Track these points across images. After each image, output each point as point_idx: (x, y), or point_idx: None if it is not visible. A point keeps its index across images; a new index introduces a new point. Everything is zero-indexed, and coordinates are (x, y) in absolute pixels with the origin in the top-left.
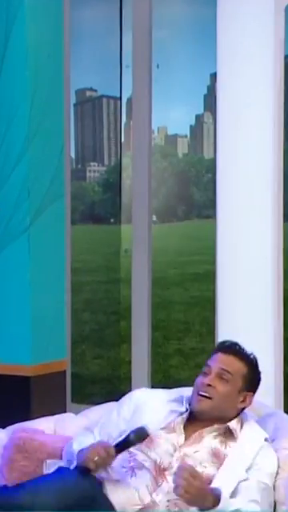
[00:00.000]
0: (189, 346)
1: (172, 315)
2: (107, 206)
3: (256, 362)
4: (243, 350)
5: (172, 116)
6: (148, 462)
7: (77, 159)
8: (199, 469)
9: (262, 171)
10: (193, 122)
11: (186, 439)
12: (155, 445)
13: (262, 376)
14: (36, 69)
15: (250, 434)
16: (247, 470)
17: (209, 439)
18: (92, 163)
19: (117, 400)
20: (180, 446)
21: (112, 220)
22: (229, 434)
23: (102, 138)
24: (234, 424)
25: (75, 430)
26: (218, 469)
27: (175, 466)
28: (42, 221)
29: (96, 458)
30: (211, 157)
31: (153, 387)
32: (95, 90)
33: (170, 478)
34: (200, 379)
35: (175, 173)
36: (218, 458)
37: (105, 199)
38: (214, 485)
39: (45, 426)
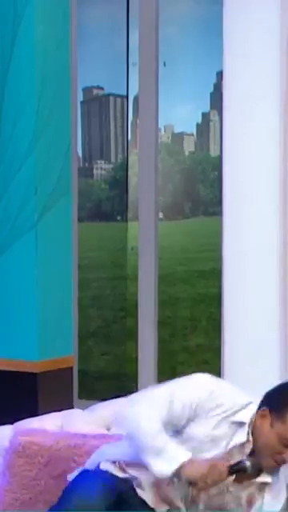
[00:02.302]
0: (195, 342)
1: (178, 312)
2: (114, 203)
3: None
4: None
5: (178, 114)
6: (177, 492)
7: (84, 157)
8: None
9: (268, 169)
10: (199, 120)
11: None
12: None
13: (268, 375)
14: (43, 67)
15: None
16: None
17: (253, 490)
18: (99, 161)
19: (124, 396)
20: (230, 485)
21: (119, 217)
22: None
23: (109, 135)
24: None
25: (82, 426)
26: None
27: (214, 492)
28: (49, 218)
29: (209, 480)
30: (217, 154)
31: (159, 383)
32: (102, 88)
33: (203, 497)
34: (279, 448)
35: (182, 170)
36: (249, 504)
37: (112, 196)
38: None
39: (52, 422)
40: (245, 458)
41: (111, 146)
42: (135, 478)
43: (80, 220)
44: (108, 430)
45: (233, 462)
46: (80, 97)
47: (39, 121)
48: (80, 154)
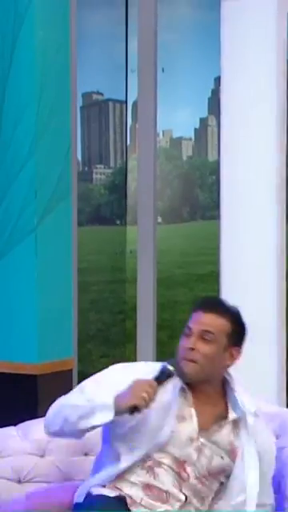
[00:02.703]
0: None
1: (177, 315)
2: (113, 207)
3: (239, 314)
4: (224, 304)
5: (177, 119)
6: (166, 459)
7: (83, 161)
8: (216, 460)
9: (265, 173)
10: (197, 125)
11: (200, 425)
12: (170, 440)
13: (267, 375)
14: (43, 72)
15: (260, 428)
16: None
17: (227, 432)
18: (98, 165)
19: None
20: (196, 436)
21: (118, 221)
22: (243, 425)
23: (108, 140)
24: (250, 419)
25: None
26: (232, 461)
27: (195, 456)
28: (49, 222)
29: (144, 394)
30: (215, 159)
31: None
32: (101, 94)
33: (189, 469)
34: (182, 342)
35: (180, 175)
36: (232, 452)
37: (111, 201)
38: (233, 479)
39: None
40: (163, 364)
41: (110, 150)
42: (127, 494)
43: (79, 224)
44: None
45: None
46: (79, 102)
47: (39, 125)
48: (79, 158)
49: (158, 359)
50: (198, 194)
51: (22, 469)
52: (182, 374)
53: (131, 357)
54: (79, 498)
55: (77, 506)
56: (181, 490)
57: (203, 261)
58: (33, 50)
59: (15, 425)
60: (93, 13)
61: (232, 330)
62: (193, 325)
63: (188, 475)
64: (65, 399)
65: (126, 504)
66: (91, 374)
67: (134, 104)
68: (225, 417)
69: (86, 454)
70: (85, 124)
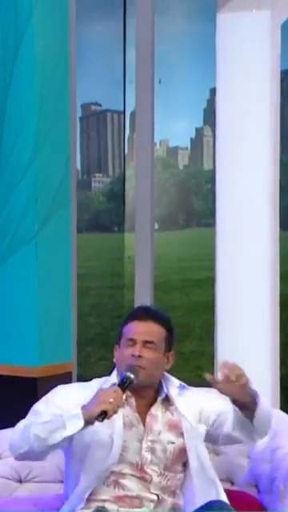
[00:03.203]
0: (189, 348)
1: (173, 319)
2: (111, 214)
3: (170, 320)
4: (157, 312)
5: (173, 129)
6: (126, 468)
7: (82, 170)
8: (170, 447)
9: (258, 182)
10: (193, 135)
11: (145, 427)
12: (123, 449)
13: (260, 377)
14: (43, 83)
15: (173, 391)
16: (205, 421)
17: (160, 415)
18: (97, 174)
19: None
20: (144, 438)
21: (116, 228)
22: (166, 401)
23: (107, 150)
24: (170, 392)
25: None
26: (182, 438)
27: (149, 456)
28: (49, 229)
29: (111, 400)
30: (210, 168)
31: None
32: (100, 105)
33: (149, 470)
34: (127, 351)
35: (176, 183)
36: (175, 428)
37: (109, 208)
38: (191, 455)
39: None
40: (122, 372)
41: (109, 159)
42: (102, 507)
43: (79, 231)
44: None
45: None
46: (79, 113)
47: (39, 135)
48: (79, 167)
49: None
50: (194, 201)
51: (22, 469)
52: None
53: None
54: None
55: None
56: (150, 491)
57: (199, 266)
58: (33, 61)
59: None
60: (92, 25)
61: (167, 336)
62: (135, 335)
63: (151, 476)
64: (27, 421)
65: None
66: (90, 377)
67: (132, 114)
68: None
69: None
70: (84, 134)
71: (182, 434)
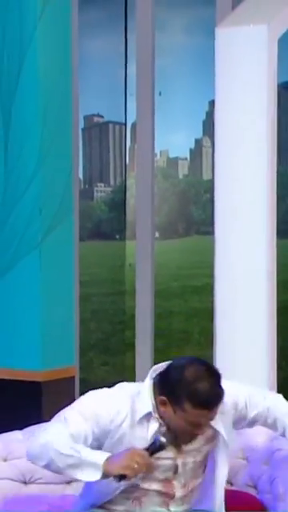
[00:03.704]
0: (189, 353)
1: (173, 325)
2: (113, 223)
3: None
4: (221, 397)
5: (173, 140)
6: (154, 485)
7: (85, 180)
8: (198, 457)
9: (256, 191)
10: (192, 146)
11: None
12: (155, 467)
13: (258, 381)
14: (47, 96)
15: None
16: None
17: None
18: (99, 184)
19: None
20: (178, 456)
21: (117, 236)
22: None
23: (108, 160)
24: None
25: None
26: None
27: (180, 469)
28: (53, 237)
29: (136, 466)
30: (209, 178)
31: None
32: (102, 116)
33: (175, 482)
34: (183, 424)
35: (176, 193)
36: (209, 439)
37: (111, 217)
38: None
39: None
40: (156, 436)
41: (110, 170)
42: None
43: (81, 239)
44: None
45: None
46: (81, 124)
47: (43, 146)
48: (81, 177)
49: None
50: (193, 210)
51: (27, 471)
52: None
53: (131, 364)
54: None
55: None
56: (168, 508)
57: (198, 274)
58: (37, 74)
59: (21, 429)
60: (94, 40)
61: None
62: (203, 420)
63: (174, 490)
64: (52, 437)
65: None
66: (93, 382)
67: (133, 126)
68: None
69: None
70: (86, 145)
71: (209, 441)
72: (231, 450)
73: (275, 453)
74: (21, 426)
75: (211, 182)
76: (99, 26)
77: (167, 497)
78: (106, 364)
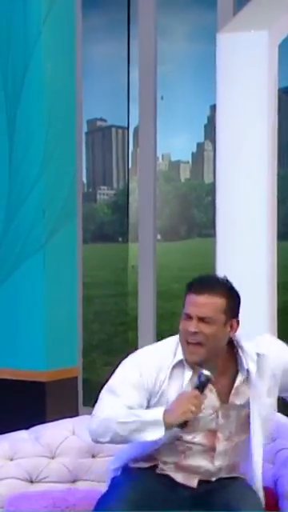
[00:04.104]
0: None
1: (175, 326)
2: (116, 225)
3: (231, 287)
4: (215, 282)
5: (175, 144)
6: (197, 437)
7: (88, 183)
8: (243, 411)
9: (257, 194)
10: (194, 150)
11: (219, 397)
12: (197, 421)
13: None
14: (51, 100)
15: (252, 367)
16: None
17: (242, 389)
18: (102, 187)
19: None
20: (220, 407)
21: (120, 239)
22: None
23: (111, 163)
24: (250, 368)
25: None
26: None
27: (222, 421)
28: (56, 239)
29: (192, 407)
30: (211, 181)
31: None
32: (105, 120)
33: (220, 435)
34: (184, 325)
35: (178, 196)
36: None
37: (113, 220)
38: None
39: (64, 428)
40: (200, 371)
41: (113, 173)
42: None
43: (84, 241)
44: None
45: (192, 383)
46: (85, 128)
47: (47, 150)
48: (84, 180)
49: None
50: (195, 213)
51: (33, 470)
52: (192, 360)
53: None
54: (115, 471)
55: (115, 479)
56: (213, 463)
57: None
58: (41, 80)
59: (25, 428)
60: (97, 46)
61: (227, 306)
62: (190, 309)
63: (220, 442)
64: (109, 411)
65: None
66: (95, 382)
67: (135, 130)
68: (235, 378)
69: (93, 456)
70: (89, 148)
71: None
72: (266, 414)
73: (279, 452)
74: (24, 425)
75: (213, 185)
76: (102, 31)
77: (212, 450)
78: (108, 364)
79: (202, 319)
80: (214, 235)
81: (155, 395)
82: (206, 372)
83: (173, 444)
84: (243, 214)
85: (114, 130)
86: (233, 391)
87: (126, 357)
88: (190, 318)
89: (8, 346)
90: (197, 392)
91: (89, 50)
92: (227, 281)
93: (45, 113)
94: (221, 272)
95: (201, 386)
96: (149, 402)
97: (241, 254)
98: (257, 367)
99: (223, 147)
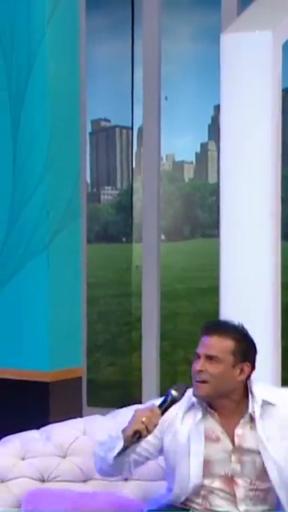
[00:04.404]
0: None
1: (179, 326)
2: (120, 226)
3: (243, 331)
4: (227, 325)
5: (179, 144)
6: (216, 482)
7: (92, 183)
8: (258, 459)
9: (261, 194)
10: (198, 150)
11: (232, 441)
12: (212, 465)
13: (262, 382)
14: (55, 100)
15: (257, 410)
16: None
17: (248, 434)
18: (106, 187)
19: (129, 403)
20: (233, 450)
21: (124, 239)
22: (252, 419)
23: (115, 164)
24: (255, 411)
25: (103, 431)
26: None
27: (238, 468)
28: (60, 239)
29: (144, 419)
30: (215, 181)
31: (161, 392)
32: (109, 121)
33: (240, 481)
34: (193, 365)
35: (182, 196)
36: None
37: (117, 220)
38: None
39: (75, 427)
40: (169, 390)
41: (117, 173)
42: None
43: (88, 241)
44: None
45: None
46: (89, 128)
47: (51, 150)
48: (88, 180)
49: (162, 367)
50: (199, 213)
51: (45, 469)
52: (197, 396)
53: (137, 365)
54: (151, 505)
55: None
56: (237, 507)
57: (203, 276)
58: (45, 80)
59: (29, 429)
60: (101, 46)
61: (236, 348)
62: (199, 349)
63: (239, 487)
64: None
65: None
66: (99, 382)
67: (139, 130)
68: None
69: None
70: (93, 149)
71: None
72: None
73: None
74: (29, 425)
75: (217, 185)
76: (106, 31)
77: (234, 496)
78: (112, 365)
79: (209, 358)
80: (217, 235)
81: (167, 434)
82: (174, 392)
83: (198, 489)
84: (247, 214)
85: (117, 130)
86: (235, 432)
87: (130, 357)
88: (198, 357)
89: (12, 345)
90: (153, 406)
91: (93, 50)
92: (242, 327)
93: (48, 113)
94: (224, 272)
95: (163, 403)
96: (163, 440)
97: (245, 254)
98: (261, 412)
99: (227, 147)
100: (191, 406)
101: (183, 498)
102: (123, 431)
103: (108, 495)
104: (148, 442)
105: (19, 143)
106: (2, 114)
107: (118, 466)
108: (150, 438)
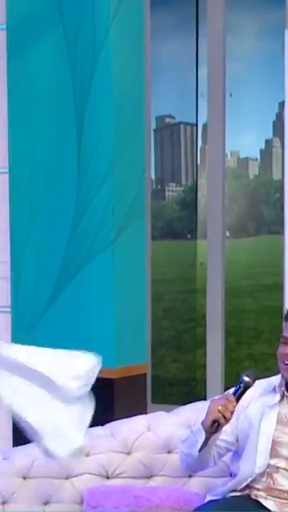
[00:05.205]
0: (259, 351)
1: (243, 322)
2: (184, 222)
3: None
4: None
5: (244, 141)
6: (283, 463)
7: (157, 180)
8: None
9: None
10: (263, 146)
11: None
12: (280, 446)
13: None
14: (120, 98)
15: None
16: None
17: None
18: (170, 184)
19: (193, 400)
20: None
21: (189, 236)
22: None
23: (180, 160)
24: None
25: (168, 428)
26: None
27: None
28: (125, 236)
29: (220, 408)
30: (279, 178)
31: (226, 389)
32: (173, 117)
33: None
34: (281, 350)
35: (246, 193)
36: None
37: (182, 217)
38: None
39: (139, 424)
40: (242, 377)
41: (182, 170)
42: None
43: (153, 238)
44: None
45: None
46: (153, 125)
47: (116, 147)
48: (153, 177)
49: (227, 363)
50: (264, 210)
51: (109, 465)
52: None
53: (201, 361)
54: (212, 495)
55: (210, 502)
56: None
57: (268, 272)
58: (110, 77)
59: (95, 425)
60: (166, 43)
61: None
62: (286, 333)
63: None
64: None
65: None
66: (164, 378)
67: (204, 127)
68: None
69: (169, 452)
70: (158, 145)
71: None
72: None
73: None
74: (94, 422)
75: (281, 181)
76: (171, 30)
77: None
78: (177, 361)
79: None
80: (282, 232)
81: (241, 417)
82: (246, 378)
83: (264, 468)
84: None
85: (182, 126)
86: None
87: (194, 353)
88: (285, 342)
89: (78, 342)
90: (230, 395)
91: (157, 48)
92: None
93: (113, 110)
94: None
95: (237, 390)
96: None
97: None
98: None
99: None
100: (271, 390)
101: (249, 480)
102: (202, 423)
103: (171, 491)
104: (226, 432)
105: (84, 141)
106: (67, 112)
107: (203, 459)
108: (227, 427)
